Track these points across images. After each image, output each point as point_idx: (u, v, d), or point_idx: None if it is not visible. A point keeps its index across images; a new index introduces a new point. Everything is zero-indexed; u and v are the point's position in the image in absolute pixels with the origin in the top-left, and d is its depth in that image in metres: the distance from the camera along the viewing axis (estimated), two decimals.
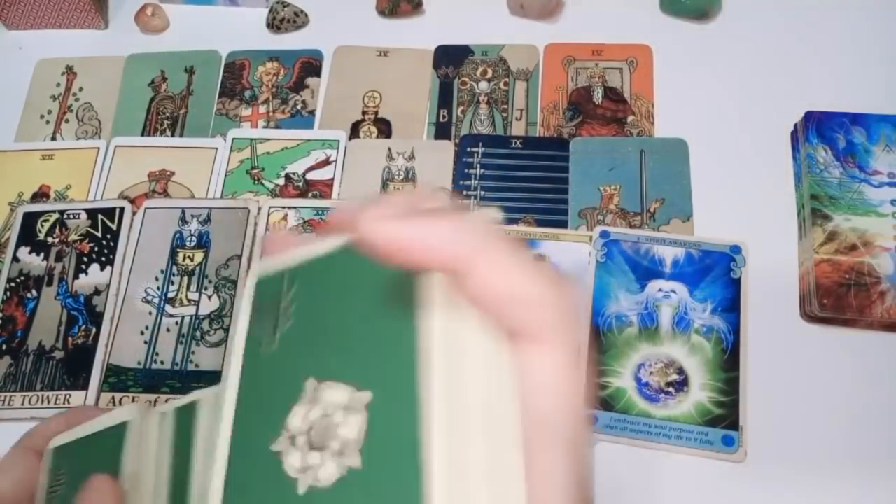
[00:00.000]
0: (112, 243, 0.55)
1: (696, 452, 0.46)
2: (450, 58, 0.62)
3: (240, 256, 0.54)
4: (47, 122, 0.62)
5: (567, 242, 0.52)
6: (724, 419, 0.46)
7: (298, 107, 0.61)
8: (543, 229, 0.53)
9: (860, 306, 0.47)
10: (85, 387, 0.51)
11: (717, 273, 0.50)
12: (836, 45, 0.59)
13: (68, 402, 0.50)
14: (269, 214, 0.55)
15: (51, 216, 0.57)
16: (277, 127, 0.60)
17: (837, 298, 0.47)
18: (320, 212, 0.55)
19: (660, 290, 0.50)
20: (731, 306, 0.49)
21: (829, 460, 0.45)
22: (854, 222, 0.49)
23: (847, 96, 0.56)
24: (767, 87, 0.58)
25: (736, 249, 0.51)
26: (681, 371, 0.48)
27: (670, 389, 0.47)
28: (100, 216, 0.56)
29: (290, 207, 0.55)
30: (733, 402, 0.47)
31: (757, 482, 0.45)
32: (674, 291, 0.50)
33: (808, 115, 0.53)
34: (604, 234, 0.52)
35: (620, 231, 0.52)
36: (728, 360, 0.48)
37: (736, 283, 0.50)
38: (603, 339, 0.49)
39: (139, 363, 0.51)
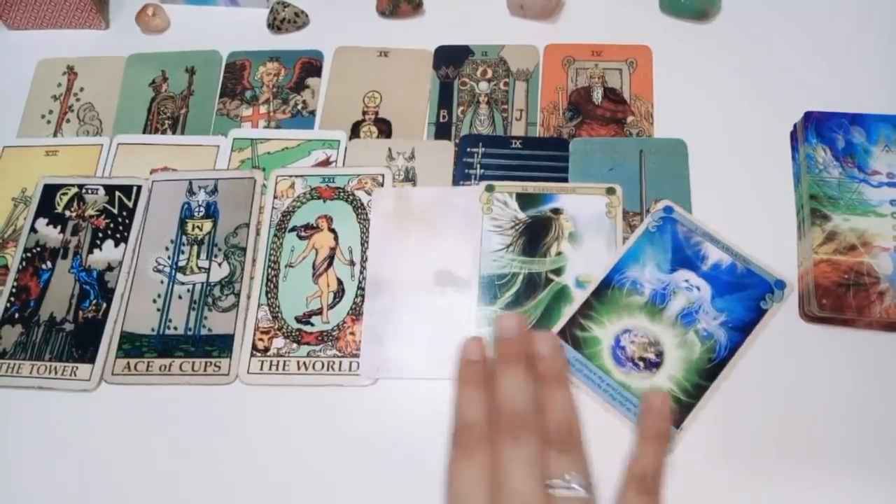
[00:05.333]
0: (128, 221, 0.56)
1: (627, 423, 0.46)
2: (450, 58, 0.62)
3: (247, 224, 0.55)
4: (48, 122, 0.63)
5: (584, 196, 0.54)
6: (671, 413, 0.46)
7: (299, 107, 0.61)
8: (560, 184, 0.54)
9: (859, 306, 0.47)
10: (92, 360, 0.51)
11: (749, 295, 0.49)
12: (836, 45, 0.59)
13: (75, 375, 0.51)
14: (276, 183, 0.56)
15: (70, 189, 0.58)
16: (278, 127, 0.61)
17: (836, 298, 0.47)
18: (327, 179, 0.56)
19: (686, 280, 0.50)
20: (742, 328, 0.48)
21: (829, 460, 0.45)
22: (853, 222, 0.49)
23: (847, 96, 0.56)
24: (767, 87, 0.58)
25: (780, 285, 0.49)
26: (659, 354, 0.48)
27: (640, 363, 0.48)
28: (117, 193, 0.58)
29: (297, 176, 0.56)
30: (689, 405, 0.47)
31: (751, 481, 0.45)
32: (697, 288, 0.50)
33: (808, 116, 0.53)
34: (667, 210, 0.52)
35: (685, 215, 0.52)
36: (709, 370, 0.47)
37: (760, 313, 0.49)
38: (608, 293, 0.50)
39: (153, 329, 0.52)
